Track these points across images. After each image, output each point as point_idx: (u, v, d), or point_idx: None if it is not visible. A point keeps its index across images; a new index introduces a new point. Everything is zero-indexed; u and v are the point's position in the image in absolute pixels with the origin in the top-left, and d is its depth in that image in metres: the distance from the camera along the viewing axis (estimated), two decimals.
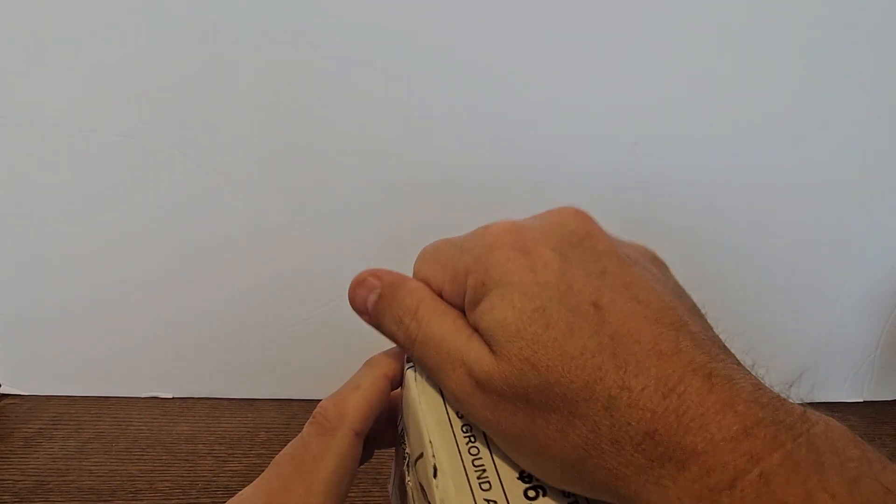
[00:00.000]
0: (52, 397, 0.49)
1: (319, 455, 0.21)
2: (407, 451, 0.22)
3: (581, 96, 0.43)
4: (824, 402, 0.50)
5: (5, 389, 0.49)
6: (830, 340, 0.49)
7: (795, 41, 0.42)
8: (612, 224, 0.48)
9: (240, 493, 0.21)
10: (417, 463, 0.20)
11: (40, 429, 0.46)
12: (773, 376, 0.53)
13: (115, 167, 0.44)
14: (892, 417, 0.48)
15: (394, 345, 0.23)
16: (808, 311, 0.48)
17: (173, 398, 0.50)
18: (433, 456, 0.19)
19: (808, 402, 0.49)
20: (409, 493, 0.22)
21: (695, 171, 0.44)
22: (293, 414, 0.48)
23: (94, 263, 0.46)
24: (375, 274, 0.23)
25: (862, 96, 0.43)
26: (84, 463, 0.42)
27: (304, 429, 0.22)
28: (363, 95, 0.42)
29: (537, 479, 0.18)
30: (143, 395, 0.50)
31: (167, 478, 0.41)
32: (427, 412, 0.21)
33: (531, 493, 0.18)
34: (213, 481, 0.41)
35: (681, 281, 0.48)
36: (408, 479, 0.22)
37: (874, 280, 0.47)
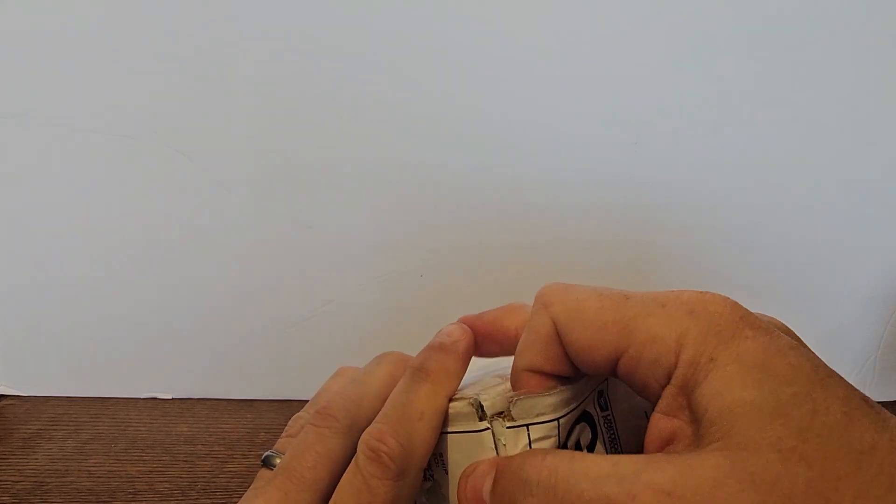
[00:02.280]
0: (51, 398, 0.49)
1: (389, 502, 0.19)
2: (432, 475, 0.20)
3: (581, 96, 0.43)
4: None
5: (4, 390, 0.49)
6: (831, 341, 0.49)
7: (796, 41, 0.42)
8: (613, 223, 0.48)
9: None
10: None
11: (39, 429, 0.46)
12: None
13: (115, 167, 0.44)
14: None
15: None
16: (809, 312, 0.48)
17: (172, 399, 0.49)
18: None
19: None
20: None
21: (695, 171, 0.44)
22: (293, 414, 0.47)
23: (93, 264, 0.46)
24: (482, 464, 0.18)
25: (863, 96, 0.43)
26: (83, 464, 0.42)
27: (362, 463, 0.19)
28: (364, 95, 0.42)
29: None
30: (143, 395, 0.49)
31: (166, 479, 0.41)
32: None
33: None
34: (213, 482, 0.41)
35: (681, 281, 0.48)
36: (424, 500, 0.21)
37: (874, 280, 0.47)
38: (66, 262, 0.46)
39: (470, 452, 0.19)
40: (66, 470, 0.41)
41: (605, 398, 0.20)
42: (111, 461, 0.43)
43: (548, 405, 0.18)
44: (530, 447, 0.18)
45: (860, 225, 0.46)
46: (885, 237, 0.46)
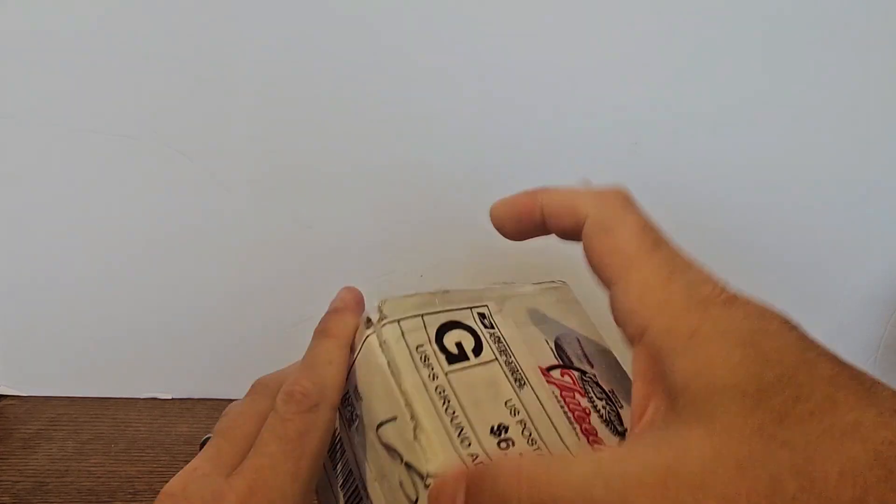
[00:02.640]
0: (51, 398, 0.49)
1: (304, 432, 0.21)
2: (356, 413, 0.23)
3: (581, 96, 0.43)
4: None
5: (4, 390, 0.49)
6: (831, 341, 0.48)
7: (796, 41, 0.42)
8: None
9: (199, 470, 0.21)
10: (383, 427, 0.21)
11: (39, 430, 0.46)
12: None
13: (115, 167, 0.44)
14: None
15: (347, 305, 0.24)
16: (809, 312, 0.48)
17: (172, 399, 0.49)
18: (412, 418, 0.20)
19: None
20: (353, 455, 0.23)
21: (695, 171, 0.44)
22: None
23: (93, 264, 0.46)
24: (448, 479, 0.18)
25: (862, 96, 0.43)
26: (83, 464, 0.42)
27: (279, 406, 0.21)
28: (364, 95, 0.42)
29: (506, 431, 0.20)
30: (143, 396, 0.49)
31: (166, 479, 0.41)
32: (401, 376, 0.21)
33: (503, 445, 0.20)
34: None
35: None
36: (355, 440, 0.23)
37: (874, 281, 0.47)
38: (66, 262, 0.46)
39: (368, 364, 0.22)
40: (66, 470, 0.42)
41: (490, 320, 0.24)
42: (111, 461, 0.43)
43: (413, 303, 0.23)
44: (405, 340, 0.21)
45: (860, 225, 0.46)
46: (885, 237, 0.46)
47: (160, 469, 0.42)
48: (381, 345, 0.22)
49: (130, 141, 0.43)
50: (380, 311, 0.22)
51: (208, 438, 0.24)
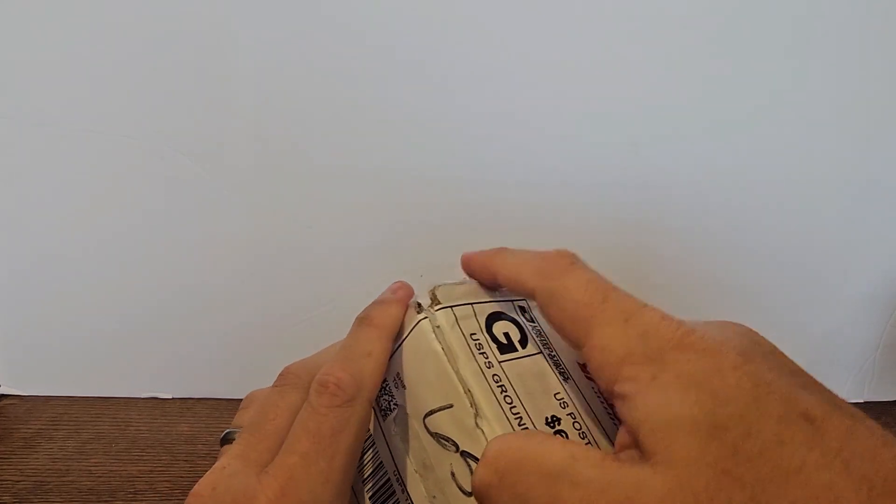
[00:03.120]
0: (51, 398, 0.49)
1: (339, 428, 0.20)
2: (395, 403, 0.22)
3: (582, 96, 0.43)
4: None
5: (5, 390, 0.49)
6: (831, 341, 0.49)
7: (796, 41, 0.42)
8: (612, 224, 0.48)
9: (230, 470, 0.20)
10: (434, 415, 0.21)
11: (40, 429, 0.46)
12: None
13: (115, 167, 0.44)
14: (893, 418, 0.48)
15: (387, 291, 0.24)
16: (809, 312, 0.48)
17: (173, 399, 0.50)
18: (472, 405, 0.20)
19: None
20: (387, 447, 0.22)
21: (695, 172, 0.44)
22: None
23: (93, 263, 0.46)
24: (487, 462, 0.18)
25: (862, 96, 0.43)
26: (83, 463, 0.42)
27: (313, 398, 0.20)
28: (364, 96, 0.42)
29: (559, 423, 0.20)
30: (143, 395, 0.49)
31: (167, 478, 0.41)
32: (458, 362, 0.20)
33: (559, 437, 0.19)
34: None
35: (682, 282, 0.48)
36: (391, 431, 0.22)
37: (874, 280, 0.47)
38: (66, 262, 0.46)
39: (418, 350, 0.21)
40: (67, 469, 0.42)
41: (530, 314, 0.23)
42: (112, 461, 0.43)
43: (462, 291, 0.23)
44: (459, 326, 0.21)
45: (860, 225, 0.46)
46: (886, 237, 0.46)
47: (161, 469, 0.42)
48: (434, 330, 0.21)
49: (130, 141, 0.43)
50: (433, 296, 0.22)
51: (231, 433, 0.23)
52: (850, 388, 0.50)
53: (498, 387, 0.20)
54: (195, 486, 0.20)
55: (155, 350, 0.48)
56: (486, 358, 0.21)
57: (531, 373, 0.21)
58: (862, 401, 0.50)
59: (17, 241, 0.45)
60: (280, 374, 0.24)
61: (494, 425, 0.19)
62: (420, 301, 0.22)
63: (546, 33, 0.41)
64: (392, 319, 0.23)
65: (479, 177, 0.44)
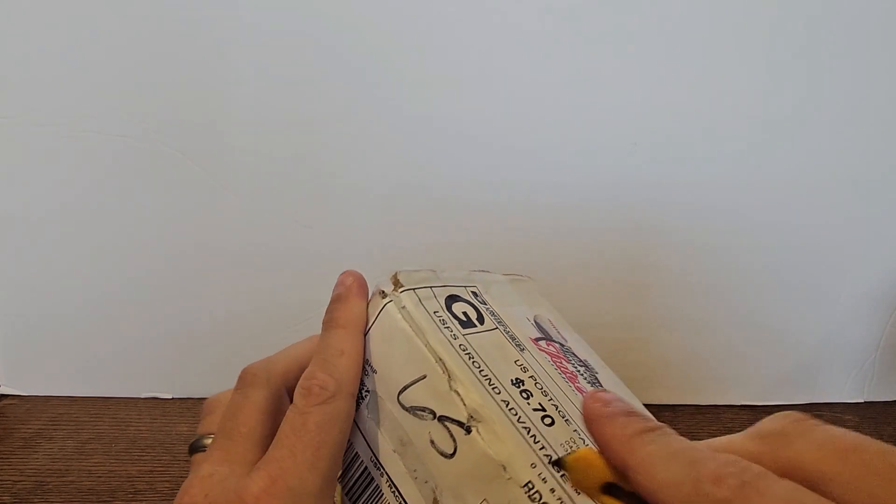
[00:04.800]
0: (51, 398, 0.49)
1: (322, 424, 0.21)
2: (367, 390, 0.23)
3: (581, 98, 0.43)
4: (825, 403, 0.50)
5: (5, 390, 0.49)
6: (831, 341, 0.49)
7: (795, 41, 0.42)
8: (613, 224, 0.48)
9: (214, 469, 0.21)
10: (407, 390, 0.22)
11: (40, 429, 0.46)
12: (774, 376, 0.53)
13: (115, 167, 0.44)
14: (893, 418, 0.48)
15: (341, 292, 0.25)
16: (809, 312, 0.48)
17: (173, 399, 0.50)
18: (445, 371, 0.21)
19: (810, 402, 0.49)
20: (361, 435, 0.23)
21: (695, 172, 0.44)
22: None
23: (93, 264, 0.46)
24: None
25: (862, 96, 0.43)
26: (83, 463, 0.42)
27: (298, 401, 0.21)
28: (364, 95, 0.42)
29: (523, 384, 0.21)
30: (143, 395, 0.49)
31: (167, 478, 0.41)
32: (426, 335, 0.22)
33: (524, 395, 0.21)
34: None
35: (682, 283, 0.48)
36: (364, 416, 0.24)
37: (874, 280, 0.47)
38: (67, 263, 0.46)
39: (385, 332, 0.23)
40: (67, 469, 0.42)
41: (482, 297, 0.25)
42: (112, 461, 0.43)
43: (421, 277, 0.24)
44: (423, 305, 0.23)
45: (860, 225, 0.46)
46: (886, 237, 0.46)
47: (161, 468, 0.42)
48: (400, 310, 0.22)
49: (130, 141, 0.43)
50: (395, 280, 0.24)
51: (199, 441, 0.24)
52: (851, 388, 0.50)
53: (465, 354, 0.22)
54: (184, 497, 0.20)
55: (155, 350, 0.48)
56: (451, 331, 0.22)
57: (491, 344, 0.23)
58: (862, 401, 0.50)
59: (17, 241, 0.45)
60: (239, 377, 0.24)
61: (468, 386, 0.20)
62: (383, 288, 0.24)
63: (546, 33, 0.41)
64: (355, 315, 0.24)
65: (479, 177, 0.44)
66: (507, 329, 0.24)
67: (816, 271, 0.47)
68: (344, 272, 0.26)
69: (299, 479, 0.20)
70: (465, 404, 0.20)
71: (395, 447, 0.22)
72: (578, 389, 0.24)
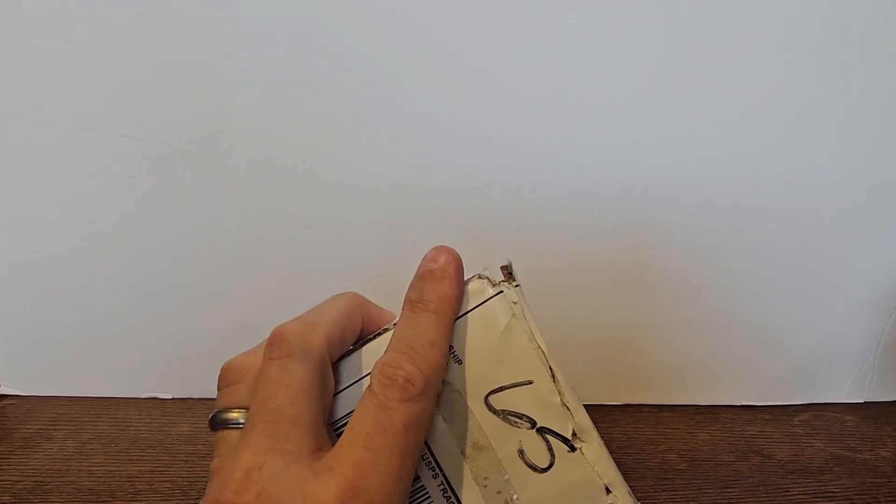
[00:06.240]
0: (51, 398, 0.49)
1: (410, 425, 0.18)
2: (446, 378, 0.21)
3: (580, 97, 0.43)
4: (825, 403, 0.50)
5: (5, 390, 0.49)
6: (831, 341, 0.49)
7: (795, 41, 0.42)
8: (613, 224, 0.48)
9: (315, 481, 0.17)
10: (501, 393, 0.20)
11: (39, 429, 0.46)
12: (774, 377, 0.53)
13: (115, 167, 0.44)
14: (893, 418, 0.48)
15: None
16: (809, 312, 0.48)
17: (173, 399, 0.50)
18: (555, 382, 0.20)
19: (810, 402, 0.49)
20: (435, 422, 0.21)
21: (695, 172, 0.44)
22: None
23: (93, 263, 0.46)
24: None
25: (862, 96, 0.43)
26: (83, 464, 0.42)
27: (379, 390, 0.18)
28: (363, 95, 0.42)
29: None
30: (143, 395, 0.49)
31: (167, 479, 0.41)
32: (538, 339, 0.20)
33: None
34: None
35: (682, 282, 0.48)
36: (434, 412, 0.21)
37: (874, 280, 0.47)
38: (67, 263, 0.46)
39: (488, 324, 0.21)
40: (67, 470, 0.42)
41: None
42: (111, 461, 0.43)
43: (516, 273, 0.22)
44: (526, 304, 0.21)
45: (860, 225, 0.46)
46: (886, 237, 0.46)
47: (161, 469, 0.42)
48: (512, 305, 0.21)
49: (130, 141, 0.43)
50: (507, 272, 0.21)
51: (223, 415, 0.21)
52: (851, 388, 0.50)
53: (567, 378, 0.20)
54: (229, 495, 0.17)
55: (155, 350, 0.48)
56: (544, 340, 0.21)
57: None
58: (862, 401, 0.50)
59: (17, 241, 0.45)
60: (271, 343, 0.21)
61: (575, 405, 0.19)
62: (490, 276, 0.21)
63: (545, 33, 0.41)
64: (450, 303, 0.21)
65: (479, 177, 0.44)
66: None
67: (816, 271, 0.47)
68: (437, 247, 0.22)
69: (385, 496, 0.17)
70: (574, 420, 0.19)
71: (465, 450, 0.20)
72: None
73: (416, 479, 0.21)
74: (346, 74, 0.42)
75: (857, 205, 0.45)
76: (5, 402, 0.49)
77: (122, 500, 0.39)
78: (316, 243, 0.46)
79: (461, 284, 0.21)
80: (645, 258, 0.46)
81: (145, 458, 0.43)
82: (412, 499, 0.21)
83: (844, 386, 0.50)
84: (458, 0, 0.40)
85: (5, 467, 0.42)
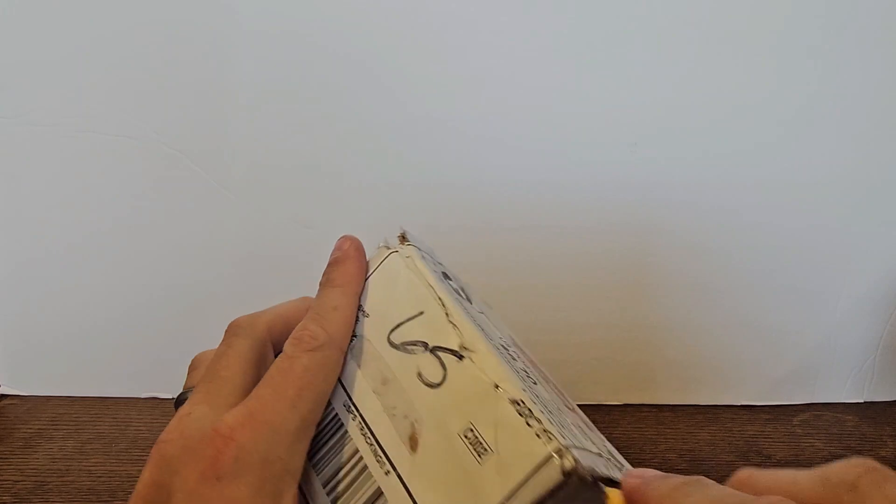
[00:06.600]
0: (51, 398, 0.49)
1: (309, 367, 0.21)
2: (354, 334, 0.24)
3: (581, 97, 0.43)
4: (825, 403, 0.50)
5: (5, 389, 0.49)
6: (831, 341, 0.49)
7: (795, 41, 0.42)
8: (613, 224, 0.48)
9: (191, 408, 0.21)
10: (400, 328, 0.23)
11: (40, 429, 0.46)
12: (774, 376, 0.53)
13: (115, 167, 0.44)
14: (893, 418, 0.48)
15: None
16: (809, 312, 0.48)
17: (173, 399, 0.49)
18: (443, 305, 0.22)
19: (810, 402, 0.49)
20: (342, 379, 0.23)
21: (695, 172, 0.44)
22: None
23: (93, 263, 0.46)
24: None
25: (862, 96, 0.43)
26: (83, 463, 0.42)
27: (286, 348, 0.22)
28: (363, 96, 0.42)
29: (508, 350, 0.22)
30: (143, 395, 0.49)
31: None
32: (428, 277, 0.23)
33: (513, 352, 0.22)
34: None
35: (682, 282, 0.48)
36: (347, 362, 0.24)
37: (874, 280, 0.47)
38: (67, 263, 0.46)
39: (386, 278, 0.24)
40: (67, 469, 0.42)
41: (466, 293, 0.26)
42: (112, 461, 0.43)
43: (425, 245, 0.26)
44: (424, 260, 0.24)
45: (860, 225, 0.46)
46: (885, 237, 0.46)
47: None
48: (404, 259, 0.24)
49: (130, 141, 0.43)
50: (402, 237, 0.25)
51: (184, 394, 0.24)
52: (851, 388, 0.50)
53: (461, 305, 0.23)
54: (161, 435, 0.20)
55: (155, 350, 0.48)
56: (451, 285, 0.23)
57: (479, 318, 0.24)
58: (862, 401, 0.50)
59: (16, 241, 0.45)
60: (225, 331, 0.25)
61: (465, 322, 0.21)
62: (388, 243, 0.25)
63: (545, 33, 0.41)
64: (352, 276, 0.25)
65: (479, 177, 0.44)
66: (488, 317, 0.25)
67: (816, 271, 0.47)
68: (342, 237, 0.27)
69: (278, 416, 0.20)
70: (461, 334, 0.21)
71: (375, 387, 0.22)
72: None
73: (340, 425, 0.23)
74: (346, 75, 0.42)
75: (857, 205, 0.45)
76: (5, 402, 0.49)
77: (122, 500, 0.39)
78: (316, 243, 0.46)
79: (361, 262, 0.26)
80: (645, 258, 0.46)
81: (145, 458, 0.43)
82: (336, 446, 0.23)
83: (844, 386, 0.50)
84: (457, 1, 0.40)
85: (5, 467, 0.42)
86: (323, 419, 0.23)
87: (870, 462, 0.15)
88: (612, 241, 0.46)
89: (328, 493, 0.22)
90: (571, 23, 0.41)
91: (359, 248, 0.26)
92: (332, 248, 0.28)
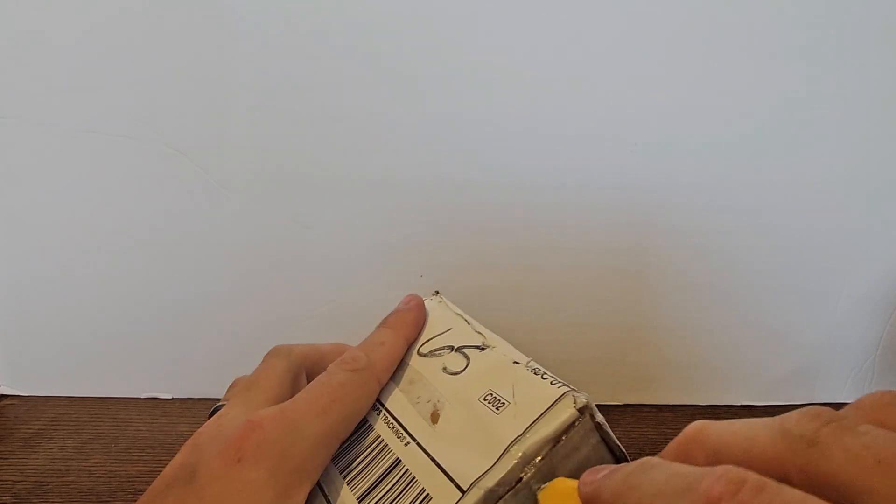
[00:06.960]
0: (51, 398, 0.49)
1: (345, 384, 0.23)
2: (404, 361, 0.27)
3: (581, 97, 0.43)
4: (825, 403, 0.50)
5: (5, 390, 0.49)
6: (831, 341, 0.49)
7: (795, 42, 0.42)
8: (613, 224, 0.48)
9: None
10: (427, 343, 0.26)
11: (40, 429, 0.46)
12: (774, 376, 0.53)
13: (115, 167, 0.44)
14: None
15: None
16: (809, 312, 0.48)
17: (173, 399, 0.50)
18: (468, 323, 0.26)
19: (810, 402, 0.49)
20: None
21: (695, 172, 0.44)
22: None
23: (93, 263, 0.46)
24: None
25: (862, 96, 0.43)
26: (83, 464, 0.42)
27: (329, 367, 0.24)
28: (364, 95, 0.42)
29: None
30: (143, 395, 0.49)
31: None
32: (453, 309, 0.27)
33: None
34: None
35: (682, 282, 0.48)
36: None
37: (874, 280, 0.47)
38: (66, 262, 0.46)
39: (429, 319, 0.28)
40: (67, 470, 0.42)
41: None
42: (112, 461, 0.43)
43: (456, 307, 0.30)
44: (449, 301, 0.29)
45: (860, 225, 0.46)
46: (885, 237, 0.46)
47: (161, 469, 0.42)
48: (436, 302, 0.29)
49: (130, 141, 0.43)
50: (437, 293, 0.30)
51: (220, 405, 0.25)
52: (850, 388, 0.50)
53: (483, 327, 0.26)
54: (200, 430, 0.22)
55: (155, 350, 0.48)
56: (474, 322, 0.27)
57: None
58: None
59: (16, 242, 0.45)
60: (266, 354, 0.27)
61: (489, 334, 0.24)
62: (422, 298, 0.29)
63: (545, 33, 0.41)
64: (405, 322, 0.27)
65: (479, 177, 0.44)
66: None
67: (816, 271, 0.47)
68: (409, 294, 0.30)
69: (306, 418, 0.21)
70: (484, 337, 0.24)
71: (403, 387, 0.25)
72: None
73: (369, 427, 0.25)
74: (346, 74, 0.42)
75: (857, 205, 0.45)
76: (5, 402, 0.49)
77: (122, 500, 0.39)
78: (316, 243, 0.46)
79: (419, 314, 0.28)
80: (645, 258, 0.46)
81: (145, 458, 0.43)
82: (359, 435, 0.24)
83: (844, 386, 0.50)
84: (458, 0, 0.40)
85: (5, 467, 0.42)
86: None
87: (827, 413, 0.15)
88: (612, 241, 0.46)
89: (344, 476, 0.23)
90: (572, 23, 0.41)
91: (420, 305, 0.29)
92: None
